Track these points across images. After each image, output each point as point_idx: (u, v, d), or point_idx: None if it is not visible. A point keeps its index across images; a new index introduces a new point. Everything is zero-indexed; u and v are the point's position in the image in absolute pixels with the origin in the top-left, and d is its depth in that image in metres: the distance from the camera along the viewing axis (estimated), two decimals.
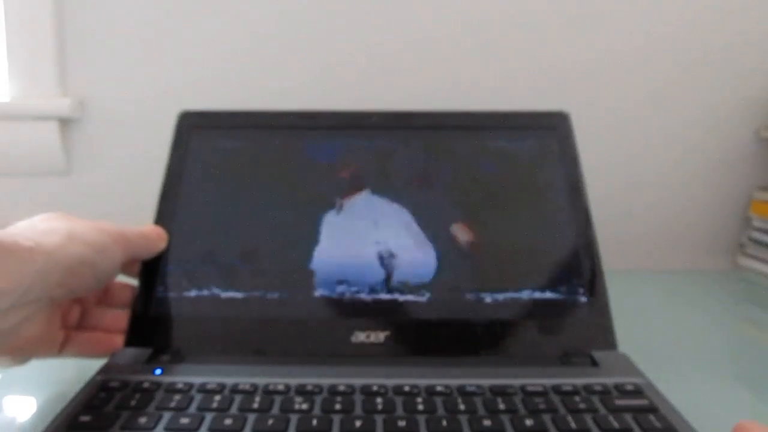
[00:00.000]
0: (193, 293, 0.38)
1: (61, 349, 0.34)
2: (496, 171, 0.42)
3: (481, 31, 0.64)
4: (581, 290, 0.38)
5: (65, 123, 0.65)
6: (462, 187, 0.41)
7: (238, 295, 0.38)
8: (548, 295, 0.38)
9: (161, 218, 0.40)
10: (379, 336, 0.36)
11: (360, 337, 0.36)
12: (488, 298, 0.38)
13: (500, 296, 0.38)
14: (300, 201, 0.41)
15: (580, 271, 0.39)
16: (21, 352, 0.32)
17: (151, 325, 0.37)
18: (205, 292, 0.38)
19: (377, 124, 0.43)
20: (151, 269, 0.38)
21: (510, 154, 0.43)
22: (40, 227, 0.31)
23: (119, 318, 0.36)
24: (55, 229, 0.31)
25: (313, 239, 0.40)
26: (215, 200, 0.41)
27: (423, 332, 0.37)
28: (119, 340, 0.35)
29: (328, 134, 0.43)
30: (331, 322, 0.37)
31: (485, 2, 0.64)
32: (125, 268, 0.37)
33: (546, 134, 0.44)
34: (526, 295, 0.38)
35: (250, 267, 0.39)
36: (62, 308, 0.34)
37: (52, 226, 0.31)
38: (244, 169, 0.42)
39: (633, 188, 0.68)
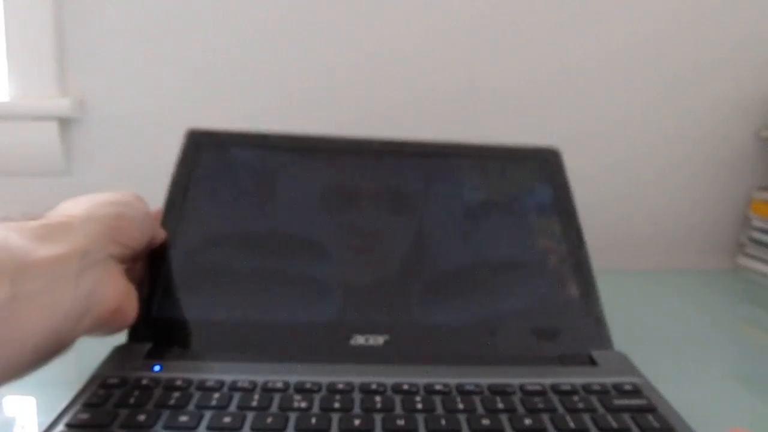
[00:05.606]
0: (193, 297, 0.38)
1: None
2: (487, 198, 0.44)
3: (475, 35, 0.65)
4: (575, 298, 0.39)
5: (65, 123, 0.65)
6: (456, 212, 0.43)
7: (238, 298, 0.38)
8: (545, 303, 0.39)
9: (166, 223, 0.41)
10: (378, 340, 0.36)
11: (359, 340, 0.36)
12: (487, 306, 0.38)
13: (499, 304, 0.38)
14: (301, 221, 0.41)
15: (573, 280, 0.40)
16: (116, 314, 0.32)
17: (152, 329, 0.37)
18: (204, 297, 0.38)
19: (377, 149, 0.45)
20: (155, 273, 0.38)
21: (503, 184, 0.44)
22: (63, 209, 0.33)
23: None
24: (76, 206, 0.33)
25: (314, 256, 0.40)
26: (220, 213, 0.42)
27: (422, 336, 0.37)
28: None
29: (327, 157, 0.44)
30: (330, 325, 0.37)
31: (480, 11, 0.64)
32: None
33: (538, 169, 0.46)
34: (523, 303, 0.39)
35: (251, 269, 0.39)
36: (128, 266, 0.36)
37: (72, 205, 0.33)
38: (249, 188, 0.43)
39: (633, 188, 0.68)
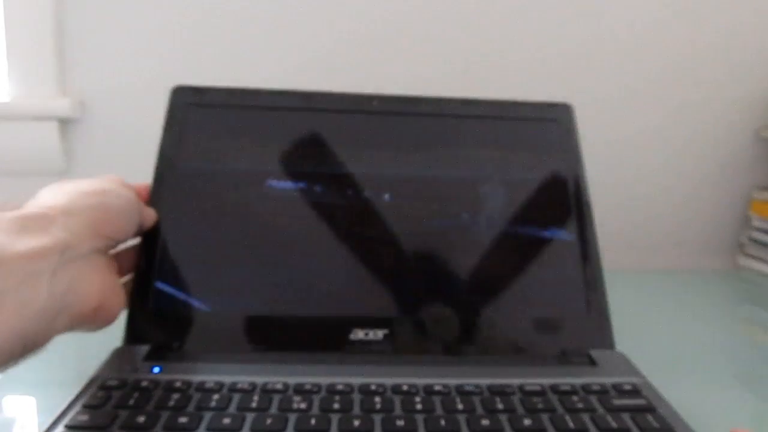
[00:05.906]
0: (190, 288, 0.37)
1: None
2: (496, 160, 0.42)
3: (485, 18, 0.64)
4: (580, 288, 0.38)
5: (65, 123, 0.65)
6: (461, 176, 0.41)
7: (237, 289, 0.38)
8: (547, 293, 0.38)
9: (155, 199, 0.39)
10: (378, 334, 0.36)
11: (359, 334, 0.36)
12: (488, 296, 0.38)
13: (500, 294, 0.38)
14: (295, 183, 0.40)
15: (579, 268, 0.39)
16: (98, 312, 0.31)
17: (150, 321, 0.37)
18: (202, 287, 0.37)
19: (376, 108, 0.43)
20: (148, 263, 0.38)
21: (511, 145, 0.43)
22: (43, 199, 0.31)
23: None
24: (58, 195, 0.31)
25: (309, 226, 0.39)
26: (210, 184, 0.40)
27: (422, 330, 0.37)
28: None
29: (325, 116, 0.42)
30: (330, 319, 0.37)
31: None
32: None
33: (548, 125, 0.44)
34: (525, 292, 0.38)
35: (249, 256, 0.38)
36: (115, 258, 0.35)
37: (53, 194, 0.32)
38: (239, 150, 0.41)
39: (633, 188, 0.68)
